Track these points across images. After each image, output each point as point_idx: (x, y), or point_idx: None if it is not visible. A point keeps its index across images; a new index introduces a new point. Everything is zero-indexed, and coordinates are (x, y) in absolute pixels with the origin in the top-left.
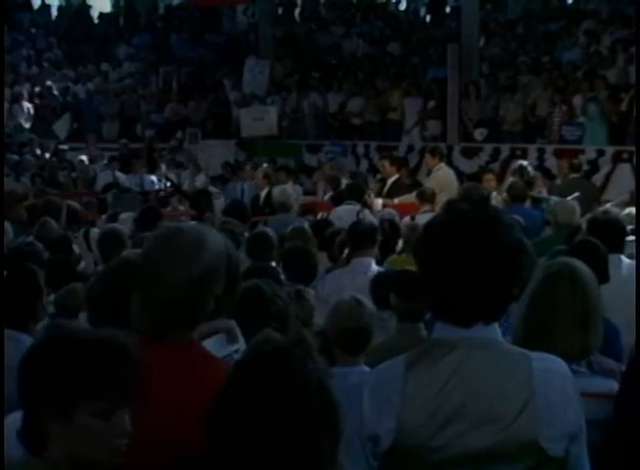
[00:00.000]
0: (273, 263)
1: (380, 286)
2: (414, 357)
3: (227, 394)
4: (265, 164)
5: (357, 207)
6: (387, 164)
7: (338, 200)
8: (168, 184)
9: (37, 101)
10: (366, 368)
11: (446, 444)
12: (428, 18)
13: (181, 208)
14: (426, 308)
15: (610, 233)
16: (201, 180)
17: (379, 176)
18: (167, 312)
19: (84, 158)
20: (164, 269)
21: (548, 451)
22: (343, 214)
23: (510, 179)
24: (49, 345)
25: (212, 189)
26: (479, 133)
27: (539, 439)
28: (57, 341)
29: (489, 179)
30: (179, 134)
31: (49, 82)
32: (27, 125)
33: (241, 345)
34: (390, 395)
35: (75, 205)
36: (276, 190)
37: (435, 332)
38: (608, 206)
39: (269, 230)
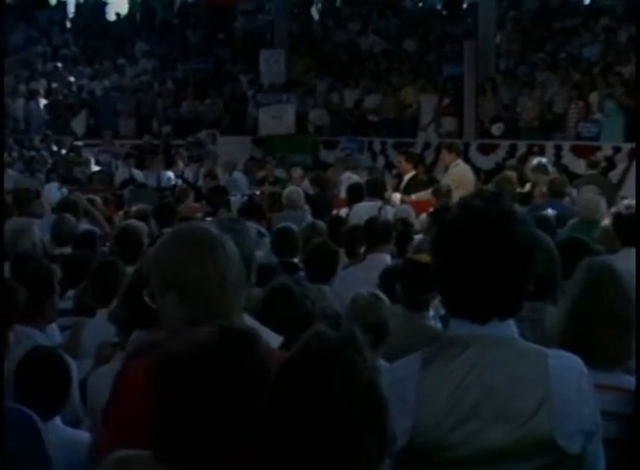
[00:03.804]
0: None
1: (388, 280)
2: (429, 355)
3: (276, 391)
4: (298, 169)
5: (378, 203)
6: (403, 160)
7: (355, 196)
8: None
9: (53, 97)
10: (384, 363)
11: (462, 442)
12: (444, 14)
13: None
14: (430, 299)
15: (634, 228)
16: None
17: (395, 172)
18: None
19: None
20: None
21: (564, 449)
22: (364, 211)
23: (551, 176)
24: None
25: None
26: (496, 128)
27: (556, 436)
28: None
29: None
30: (201, 134)
31: (65, 79)
32: (43, 122)
33: None
34: (406, 393)
35: (97, 199)
36: (287, 189)
37: (450, 329)
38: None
39: (294, 226)
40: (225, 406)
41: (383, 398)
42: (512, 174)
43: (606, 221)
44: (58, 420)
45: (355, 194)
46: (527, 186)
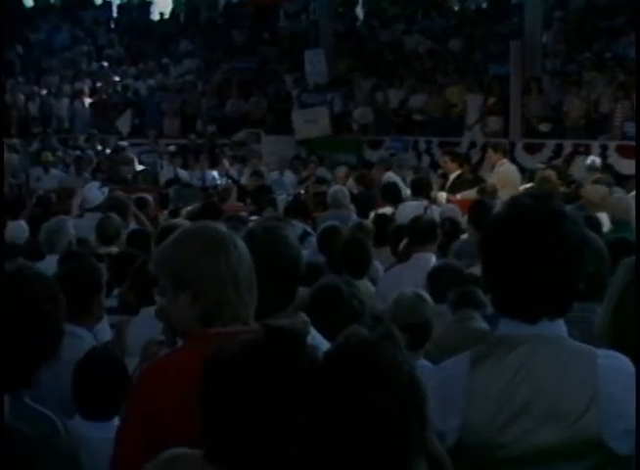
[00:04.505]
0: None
1: (436, 279)
2: (478, 354)
3: (316, 388)
4: (342, 168)
5: (424, 202)
6: (448, 160)
7: (388, 196)
8: (229, 181)
9: (98, 97)
10: (426, 362)
11: (511, 441)
12: (490, 14)
13: (239, 204)
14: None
15: None
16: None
17: (440, 172)
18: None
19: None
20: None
21: (614, 450)
22: (410, 210)
23: (595, 176)
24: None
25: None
26: (544, 126)
27: (604, 436)
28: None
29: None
30: (241, 134)
31: (110, 79)
32: (87, 121)
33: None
34: (455, 392)
35: (149, 198)
36: (332, 188)
37: (500, 329)
38: None
39: (340, 225)
40: (273, 406)
41: (423, 393)
42: (550, 173)
43: None
44: (117, 420)
45: (388, 193)
46: (573, 186)
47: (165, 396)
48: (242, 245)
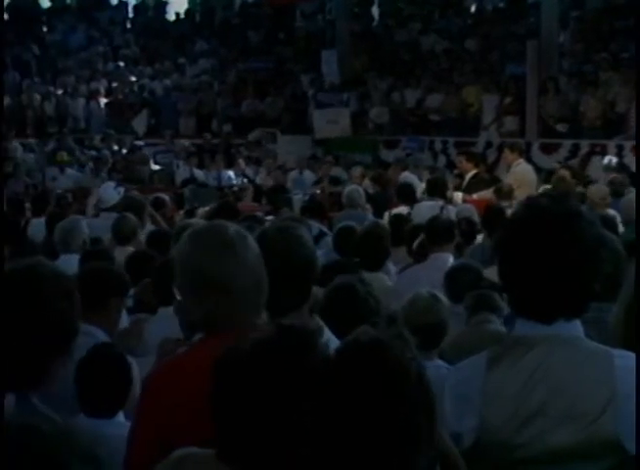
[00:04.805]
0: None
1: (454, 280)
2: (495, 355)
3: (328, 383)
4: (358, 168)
5: (440, 202)
6: (464, 160)
7: (403, 196)
8: (245, 180)
9: (113, 97)
10: (441, 362)
11: (528, 442)
12: (507, 13)
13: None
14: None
15: None
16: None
17: (456, 172)
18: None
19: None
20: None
21: (630, 451)
22: (426, 210)
23: (612, 175)
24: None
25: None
26: (561, 126)
27: (621, 438)
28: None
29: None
30: (257, 133)
31: (126, 79)
32: (103, 121)
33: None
34: (472, 393)
35: (166, 198)
36: (348, 188)
37: (517, 329)
38: None
39: (355, 224)
40: (283, 404)
41: (432, 393)
42: (565, 173)
43: None
44: (121, 416)
45: (403, 194)
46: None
47: (178, 394)
48: (252, 243)
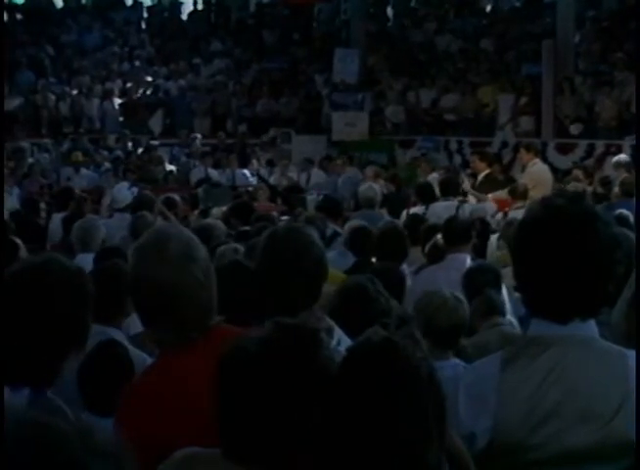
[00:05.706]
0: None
1: (472, 280)
2: (510, 355)
3: (337, 383)
4: (372, 167)
5: (455, 202)
6: (477, 159)
7: (422, 195)
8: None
9: (128, 97)
10: (458, 361)
11: (543, 442)
12: (522, 13)
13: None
14: None
15: None
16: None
17: (469, 171)
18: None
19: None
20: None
21: None
22: (442, 210)
23: (623, 174)
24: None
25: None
26: (574, 127)
27: (634, 438)
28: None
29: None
30: (271, 132)
31: (141, 79)
32: (117, 122)
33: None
34: (487, 393)
35: (177, 198)
36: (363, 186)
37: (532, 329)
38: None
39: (369, 224)
40: (290, 403)
41: (442, 392)
42: (578, 173)
43: None
44: None
45: (422, 193)
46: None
47: (163, 396)
48: (201, 248)
